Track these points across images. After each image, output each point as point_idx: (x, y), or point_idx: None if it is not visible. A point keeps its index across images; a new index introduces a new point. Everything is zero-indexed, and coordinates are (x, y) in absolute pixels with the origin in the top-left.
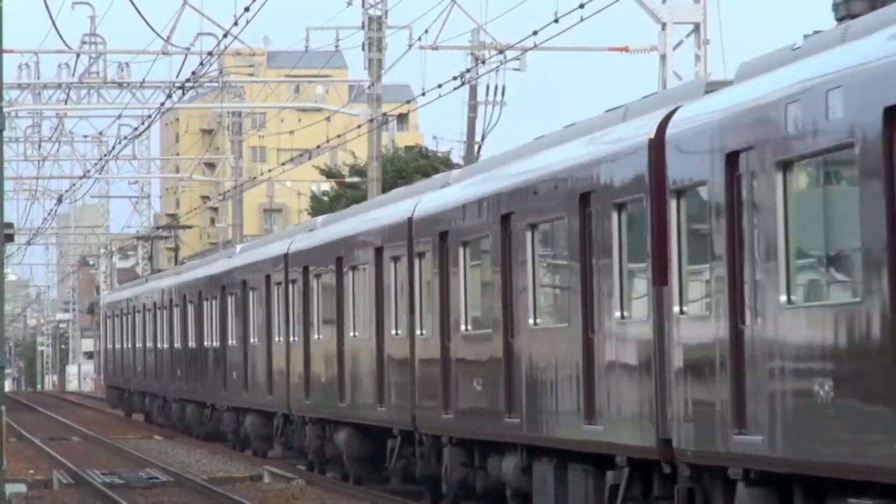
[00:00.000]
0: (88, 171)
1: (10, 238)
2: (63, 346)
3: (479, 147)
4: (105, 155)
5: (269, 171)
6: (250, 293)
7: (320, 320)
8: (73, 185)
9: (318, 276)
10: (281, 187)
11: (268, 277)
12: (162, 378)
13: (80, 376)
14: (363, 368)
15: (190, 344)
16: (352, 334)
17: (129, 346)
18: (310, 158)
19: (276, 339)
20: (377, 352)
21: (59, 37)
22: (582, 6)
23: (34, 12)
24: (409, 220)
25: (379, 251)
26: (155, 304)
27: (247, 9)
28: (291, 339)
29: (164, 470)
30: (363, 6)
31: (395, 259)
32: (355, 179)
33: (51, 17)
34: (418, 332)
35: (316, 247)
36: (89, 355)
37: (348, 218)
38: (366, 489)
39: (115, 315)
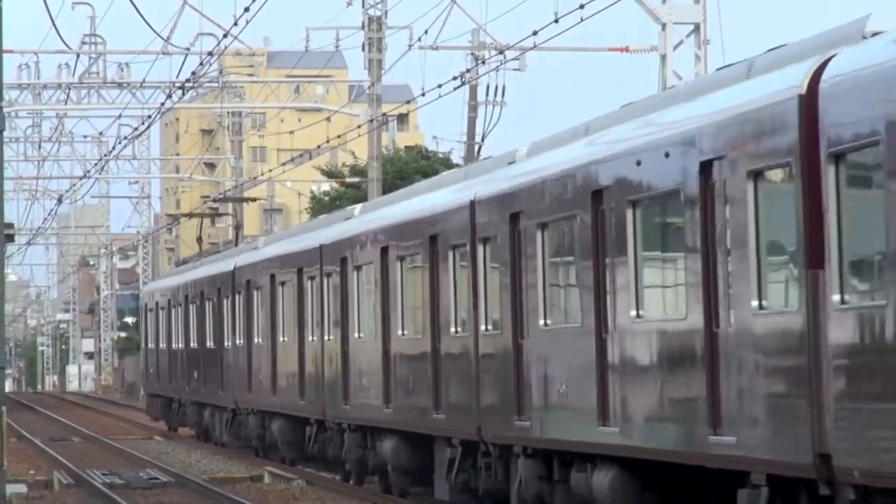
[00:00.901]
0: (88, 172)
1: (10, 238)
2: (63, 347)
3: (480, 147)
4: (105, 155)
5: (270, 171)
6: (397, 265)
7: (550, 305)
8: (74, 185)
9: (528, 230)
10: (281, 187)
11: (433, 239)
12: (231, 385)
13: (81, 376)
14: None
15: (282, 339)
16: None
17: (182, 345)
18: (310, 158)
19: (453, 329)
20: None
21: (59, 37)
22: (582, 6)
23: (34, 12)
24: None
25: None
26: (220, 289)
27: (247, 9)
28: (484, 327)
29: (164, 470)
30: (363, 6)
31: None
32: (356, 179)
33: (51, 17)
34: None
35: (513, 192)
36: (89, 355)
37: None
38: (365, 489)
39: (162, 307)
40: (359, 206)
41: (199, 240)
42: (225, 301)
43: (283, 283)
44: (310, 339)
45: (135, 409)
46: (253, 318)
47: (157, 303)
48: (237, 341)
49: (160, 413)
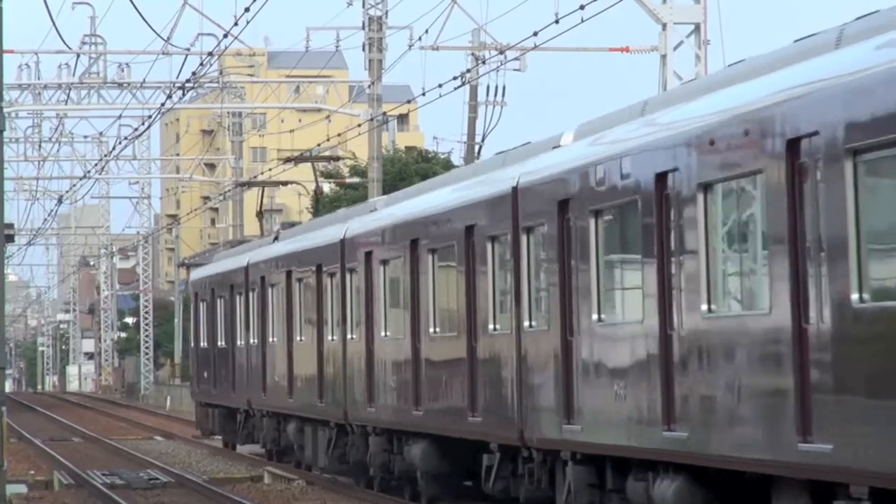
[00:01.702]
0: (89, 172)
1: (10, 239)
2: (63, 347)
3: (480, 147)
4: (105, 155)
5: (270, 170)
6: (700, 199)
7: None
8: (74, 185)
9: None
10: (281, 188)
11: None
12: (337, 393)
13: (81, 377)
14: None
15: (433, 330)
16: None
17: (255, 340)
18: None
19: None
20: None
21: (60, 37)
22: (582, 7)
23: (34, 12)
24: None
25: None
26: (319, 268)
27: (247, 9)
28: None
29: (164, 470)
30: (363, 6)
31: None
32: (356, 180)
33: (51, 18)
34: None
35: None
36: (90, 356)
37: None
38: (365, 489)
39: (220, 296)
40: (571, 132)
41: (260, 214)
42: (328, 282)
43: (433, 251)
44: (491, 328)
45: (135, 409)
46: (376, 303)
47: (212, 290)
48: (349, 335)
49: (217, 427)
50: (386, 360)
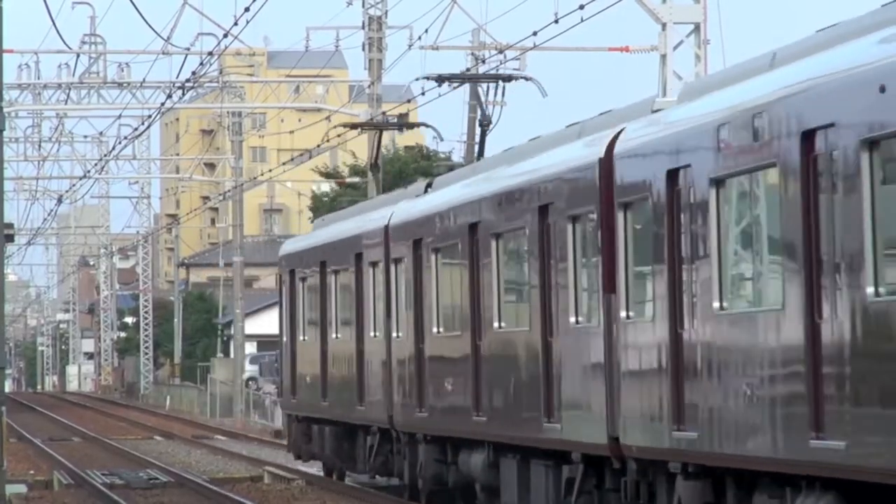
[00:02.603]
0: (88, 172)
1: (10, 238)
2: (63, 347)
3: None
4: (105, 155)
5: (270, 171)
6: None
7: None
8: (73, 185)
9: None
10: (281, 188)
11: None
12: (592, 410)
13: (81, 377)
14: None
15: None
16: None
17: (400, 333)
18: (310, 158)
19: None
20: None
21: (59, 37)
22: (582, 7)
23: (34, 12)
24: None
25: None
26: (545, 210)
27: (247, 9)
28: None
29: (164, 470)
30: (363, 6)
31: None
32: (356, 180)
33: (51, 17)
34: None
35: None
36: (89, 356)
37: None
38: (366, 489)
39: (336, 270)
40: None
41: (375, 166)
42: (571, 231)
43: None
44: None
45: (135, 408)
46: (685, 268)
47: (321, 264)
48: (622, 312)
49: (327, 449)
50: (719, 349)
